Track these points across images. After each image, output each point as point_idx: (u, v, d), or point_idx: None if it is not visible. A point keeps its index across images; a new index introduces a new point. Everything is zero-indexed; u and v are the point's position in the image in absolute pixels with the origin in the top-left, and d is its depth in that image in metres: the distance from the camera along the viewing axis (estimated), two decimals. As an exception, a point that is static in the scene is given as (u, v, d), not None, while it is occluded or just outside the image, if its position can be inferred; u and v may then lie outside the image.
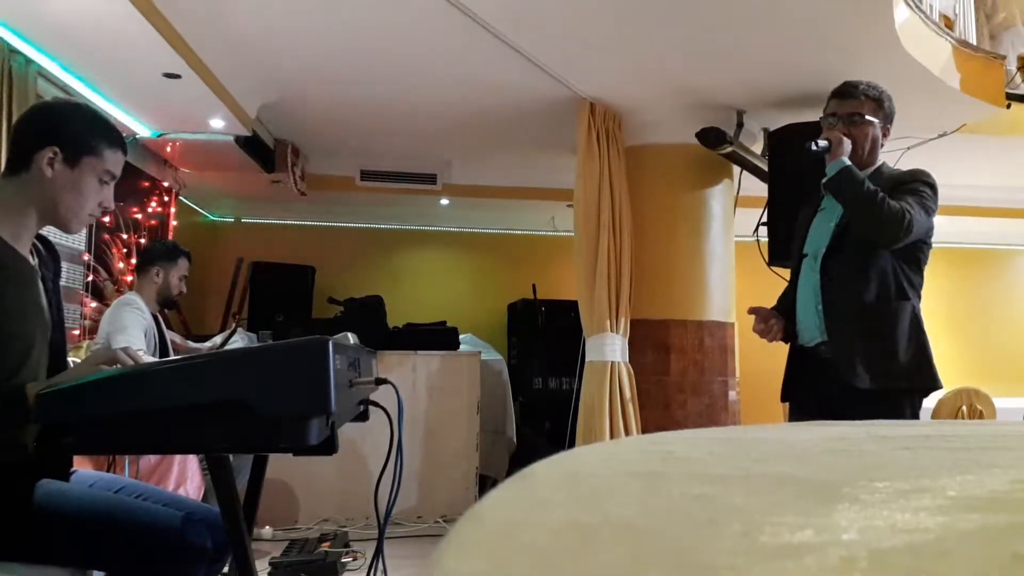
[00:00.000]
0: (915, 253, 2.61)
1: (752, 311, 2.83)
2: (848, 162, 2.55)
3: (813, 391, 2.70)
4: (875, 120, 2.66)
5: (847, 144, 2.58)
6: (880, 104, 2.68)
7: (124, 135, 1.89)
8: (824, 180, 2.59)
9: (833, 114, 2.67)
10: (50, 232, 1.92)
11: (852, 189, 2.51)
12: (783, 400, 2.84)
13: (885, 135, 2.71)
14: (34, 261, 1.81)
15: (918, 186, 2.57)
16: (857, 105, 2.65)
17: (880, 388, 2.52)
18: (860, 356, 2.53)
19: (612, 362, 4.57)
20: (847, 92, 2.68)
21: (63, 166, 1.74)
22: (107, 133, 1.82)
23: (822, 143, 2.59)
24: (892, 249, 2.55)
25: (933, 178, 2.64)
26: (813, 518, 0.47)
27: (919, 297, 2.64)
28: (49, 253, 1.90)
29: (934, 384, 2.60)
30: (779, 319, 2.77)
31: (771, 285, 3.38)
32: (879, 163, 2.71)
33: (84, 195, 1.77)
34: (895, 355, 2.55)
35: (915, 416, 2.61)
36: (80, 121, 1.81)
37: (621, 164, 4.74)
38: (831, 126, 2.66)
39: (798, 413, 2.78)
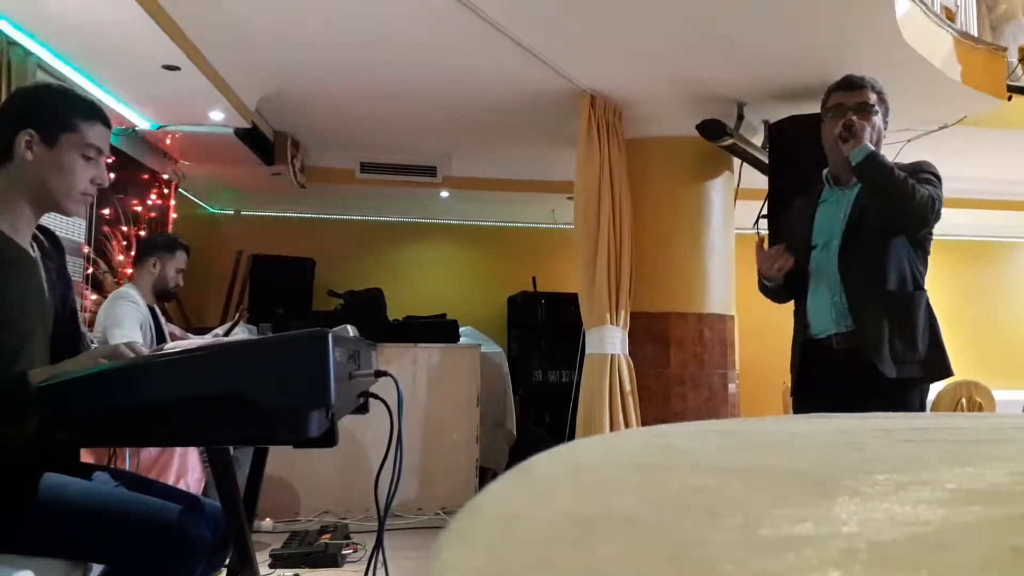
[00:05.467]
0: (924, 243, 2.63)
1: (760, 245, 2.82)
2: (872, 147, 2.53)
3: (825, 385, 2.66)
4: (879, 111, 2.67)
5: (868, 130, 2.56)
6: (882, 97, 2.69)
7: (103, 108, 1.85)
8: (853, 166, 2.54)
9: (840, 104, 2.66)
10: (54, 222, 1.91)
11: (884, 174, 2.49)
12: (795, 393, 2.80)
13: (885, 128, 2.72)
14: (35, 253, 1.80)
15: (928, 176, 2.57)
16: (865, 95, 2.65)
17: (901, 377, 2.52)
18: (887, 344, 2.53)
19: (612, 355, 4.57)
20: (855, 84, 2.68)
21: (42, 147, 1.71)
22: (81, 107, 1.79)
23: (843, 132, 2.55)
24: (913, 236, 2.56)
25: (937, 169, 2.64)
26: (813, 510, 0.47)
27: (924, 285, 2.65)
28: (52, 244, 1.88)
29: (947, 372, 2.62)
30: (788, 256, 2.73)
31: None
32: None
33: (70, 174, 1.74)
34: (915, 345, 2.56)
35: (923, 404, 2.63)
36: (51, 99, 1.78)
37: (621, 157, 4.73)
38: (838, 117, 2.63)
39: (808, 406, 2.70)
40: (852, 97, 2.66)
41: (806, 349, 2.73)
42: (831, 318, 2.64)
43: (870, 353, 2.52)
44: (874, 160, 2.50)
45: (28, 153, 1.70)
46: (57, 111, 1.75)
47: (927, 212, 2.47)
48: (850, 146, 2.52)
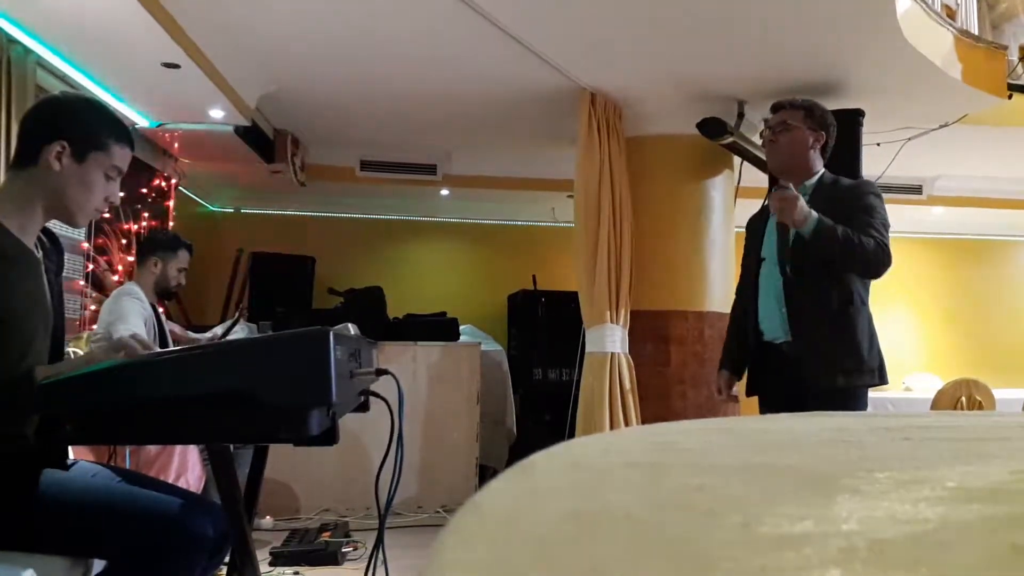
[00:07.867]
0: None
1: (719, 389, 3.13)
2: (816, 217, 2.64)
3: (778, 385, 2.88)
4: (800, 126, 2.86)
5: (794, 200, 2.68)
6: (810, 113, 2.88)
7: (131, 130, 1.88)
8: (808, 242, 2.70)
9: (766, 121, 2.96)
10: (53, 223, 1.92)
11: (832, 243, 2.65)
12: (749, 394, 3.02)
13: (819, 140, 2.88)
14: (39, 254, 1.81)
15: (871, 200, 2.76)
16: (784, 115, 2.89)
17: (848, 386, 2.73)
18: (829, 358, 2.72)
19: (612, 353, 4.57)
20: (776, 106, 2.96)
21: (71, 160, 1.74)
22: (116, 129, 1.83)
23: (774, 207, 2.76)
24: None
25: (878, 188, 2.85)
26: (813, 509, 0.47)
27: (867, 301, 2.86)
28: (53, 246, 1.91)
29: (884, 380, 2.83)
30: (731, 383, 3.11)
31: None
32: (819, 172, 2.89)
33: (91, 190, 1.78)
34: (860, 356, 2.74)
35: (866, 408, 2.86)
36: (90, 116, 1.82)
37: (621, 155, 4.73)
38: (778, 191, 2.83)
39: (766, 407, 2.97)
40: (774, 117, 2.93)
41: (761, 352, 2.94)
42: (780, 327, 2.85)
43: (808, 365, 2.73)
44: (822, 233, 2.65)
45: (56, 163, 1.73)
46: (94, 129, 1.79)
47: (879, 264, 2.67)
48: (800, 223, 2.66)
